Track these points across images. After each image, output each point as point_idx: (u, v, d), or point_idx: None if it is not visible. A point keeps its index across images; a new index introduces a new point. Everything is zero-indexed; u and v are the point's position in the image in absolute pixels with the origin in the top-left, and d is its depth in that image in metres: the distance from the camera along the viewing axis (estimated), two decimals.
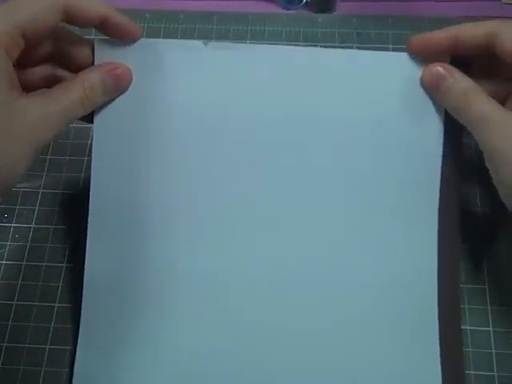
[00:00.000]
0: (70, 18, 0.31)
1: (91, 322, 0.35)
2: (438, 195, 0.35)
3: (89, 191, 0.39)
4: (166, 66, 0.35)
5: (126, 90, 0.34)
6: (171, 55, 0.35)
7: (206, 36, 0.46)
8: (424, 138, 0.35)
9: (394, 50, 0.45)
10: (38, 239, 0.39)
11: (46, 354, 0.36)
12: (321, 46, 0.45)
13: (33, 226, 0.40)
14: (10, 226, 0.40)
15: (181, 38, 0.45)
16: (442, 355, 0.34)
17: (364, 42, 0.45)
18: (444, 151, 0.34)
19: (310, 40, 0.45)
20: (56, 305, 0.37)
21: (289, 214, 0.36)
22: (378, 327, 0.35)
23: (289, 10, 0.47)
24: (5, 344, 0.36)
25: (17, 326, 0.37)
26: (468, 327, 0.36)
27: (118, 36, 0.33)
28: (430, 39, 0.32)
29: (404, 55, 0.34)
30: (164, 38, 0.46)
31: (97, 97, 0.33)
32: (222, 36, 0.45)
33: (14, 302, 0.37)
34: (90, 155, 0.42)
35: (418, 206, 0.35)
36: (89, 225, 0.35)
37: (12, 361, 0.36)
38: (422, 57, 0.33)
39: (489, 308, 0.36)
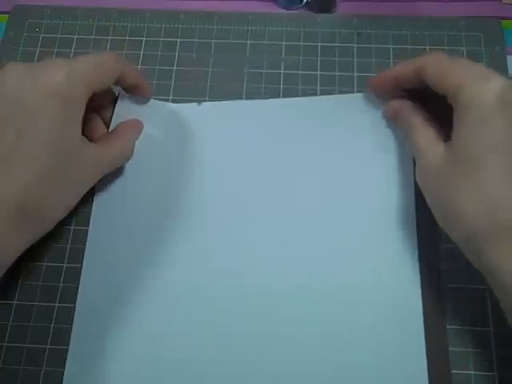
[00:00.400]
0: (118, 82, 0.37)
1: (81, 334, 0.36)
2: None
3: (89, 190, 0.39)
4: (170, 122, 0.41)
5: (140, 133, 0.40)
6: (174, 113, 0.42)
7: (206, 36, 0.45)
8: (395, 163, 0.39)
9: (394, 50, 0.45)
10: (38, 239, 0.39)
11: (46, 353, 0.36)
12: (321, 46, 0.45)
13: None
14: None
15: (181, 38, 0.45)
16: (428, 356, 0.35)
17: (364, 42, 0.45)
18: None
19: (310, 40, 0.45)
20: (56, 305, 0.37)
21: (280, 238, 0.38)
22: (364, 331, 0.35)
23: (289, 9, 0.47)
24: (5, 344, 0.36)
25: (17, 325, 0.37)
26: (468, 327, 0.36)
27: (134, 91, 0.39)
28: (378, 80, 0.39)
29: (362, 95, 0.41)
30: (164, 37, 0.46)
31: (131, 147, 0.39)
32: (223, 36, 0.45)
33: (14, 302, 0.37)
34: None
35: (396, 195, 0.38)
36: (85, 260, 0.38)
37: (12, 361, 0.36)
38: (379, 95, 0.40)
39: (489, 308, 0.36)
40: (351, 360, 0.35)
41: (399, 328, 0.35)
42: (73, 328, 0.36)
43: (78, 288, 0.38)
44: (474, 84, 0.32)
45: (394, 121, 0.39)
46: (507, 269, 0.29)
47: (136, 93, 0.39)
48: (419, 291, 0.36)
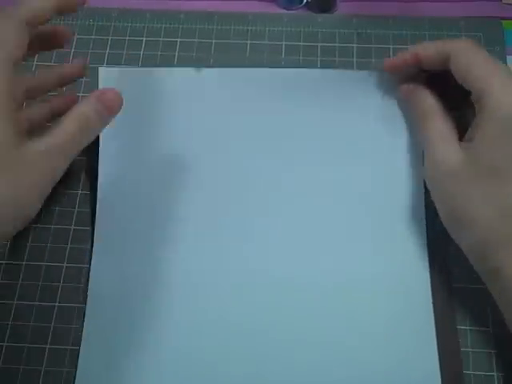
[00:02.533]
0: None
1: (94, 325, 0.36)
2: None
3: (88, 190, 0.39)
4: (164, 91, 0.39)
5: (119, 111, 0.35)
6: (168, 81, 0.40)
7: (206, 36, 0.45)
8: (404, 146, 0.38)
9: (394, 50, 0.44)
10: (38, 239, 0.39)
11: (46, 354, 0.36)
12: (321, 46, 0.45)
13: (33, 225, 0.39)
14: None
15: (181, 38, 0.45)
16: (439, 355, 0.34)
17: (364, 42, 0.45)
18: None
19: (310, 40, 0.45)
20: (56, 304, 0.37)
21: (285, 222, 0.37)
22: (374, 328, 0.35)
23: (289, 10, 0.47)
24: (5, 344, 0.36)
25: (17, 325, 0.37)
26: (468, 327, 0.36)
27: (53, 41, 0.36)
28: (399, 58, 0.36)
29: (378, 74, 0.39)
30: (164, 37, 0.45)
31: (94, 125, 0.33)
32: (223, 36, 0.45)
33: (14, 302, 0.37)
34: (88, 155, 0.42)
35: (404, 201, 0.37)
36: (95, 227, 0.38)
37: (12, 361, 0.36)
38: (397, 75, 0.37)
39: (489, 308, 0.36)
40: (362, 358, 0.35)
41: (410, 327, 0.35)
42: (85, 314, 0.36)
43: (78, 288, 0.38)
44: (503, 91, 0.31)
45: (407, 104, 0.37)
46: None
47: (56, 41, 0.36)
48: (429, 289, 0.36)
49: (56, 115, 0.38)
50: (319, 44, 0.45)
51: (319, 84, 0.40)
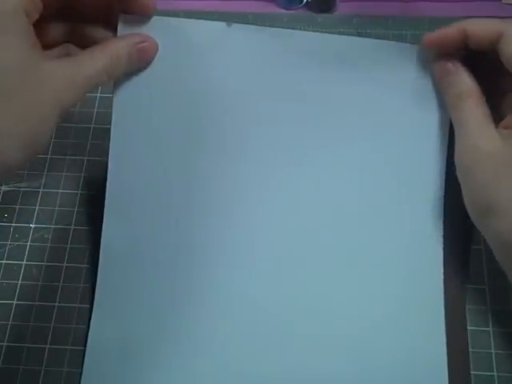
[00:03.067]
0: None
1: (106, 291, 0.36)
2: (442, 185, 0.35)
3: (89, 190, 0.39)
4: (188, 44, 0.36)
5: (150, 63, 0.34)
6: (194, 35, 0.36)
7: None
8: (431, 126, 0.35)
9: None
10: (38, 239, 0.39)
11: (46, 353, 0.36)
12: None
13: (33, 225, 0.39)
14: (10, 226, 0.40)
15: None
16: (448, 355, 0.34)
17: None
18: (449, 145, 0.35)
19: None
20: (56, 304, 0.37)
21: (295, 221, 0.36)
22: (383, 319, 0.35)
23: (289, 10, 0.47)
24: (5, 344, 0.36)
25: (17, 325, 0.37)
26: (468, 327, 0.36)
27: (131, 8, 0.34)
28: (442, 33, 0.32)
29: (418, 47, 0.34)
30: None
31: (121, 67, 0.33)
32: None
33: (14, 302, 0.37)
34: (90, 154, 0.42)
35: (422, 204, 0.36)
36: (106, 202, 0.36)
37: (12, 361, 0.36)
38: (437, 52, 0.33)
39: (489, 308, 0.36)
40: (369, 349, 0.34)
41: (419, 318, 0.35)
42: (97, 282, 0.36)
43: (78, 288, 0.38)
44: None
45: (440, 83, 0.34)
46: None
47: (134, 10, 0.34)
48: (441, 286, 0.35)
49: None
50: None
51: (351, 54, 0.36)
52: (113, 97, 0.35)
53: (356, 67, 0.36)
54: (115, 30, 0.34)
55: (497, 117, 0.32)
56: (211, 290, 0.35)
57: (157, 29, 0.35)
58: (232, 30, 0.35)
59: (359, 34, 0.45)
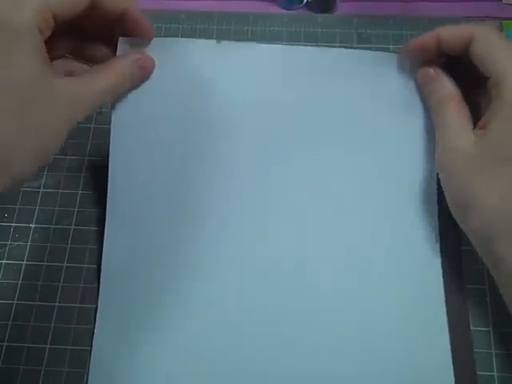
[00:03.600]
0: (95, 4, 0.32)
1: (109, 306, 0.36)
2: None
3: (89, 190, 0.39)
4: (182, 62, 0.37)
5: (147, 79, 0.36)
6: (187, 53, 0.37)
7: (206, 36, 0.45)
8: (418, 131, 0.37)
9: (394, 50, 0.45)
10: (38, 239, 0.39)
11: (46, 353, 0.36)
12: (321, 46, 0.45)
13: (33, 225, 0.39)
14: (10, 226, 0.40)
15: (182, 38, 0.45)
16: (453, 356, 0.34)
17: (364, 42, 0.45)
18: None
19: (311, 40, 0.45)
20: (56, 304, 0.37)
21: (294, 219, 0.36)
22: (385, 323, 0.35)
23: (289, 10, 0.47)
24: (5, 344, 0.36)
25: (17, 325, 0.37)
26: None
27: (133, 32, 0.35)
28: (419, 40, 0.35)
29: (395, 56, 0.37)
30: (164, 37, 0.45)
31: (126, 85, 0.35)
32: (223, 36, 0.45)
33: (14, 302, 0.37)
34: (90, 154, 0.42)
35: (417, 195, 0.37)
36: (107, 211, 0.37)
37: (12, 361, 0.36)
38: (415, 58, 0.35)
39: (489, 308, 0.36)
40: (373, 354, 0.34)
41: (422, 322, 0.35)
42: (100, 291, 0.36)
43: (78, 288, 0.38)
44: None
45: (423, 89, 0.36)
46: None
47: (136, 34, 0.35)
48: (442, 286, 0.36)
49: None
50: (319, 44, 0.45)
51: (335, 64, 0.38)
52: (111, 113, 0.36)
53: (344, 78, 0.37)
54: (115, 47, 0.35)
55: (475, 117, 0.33)
56: (208, 298, 0.35)
57: (154, 48, 0.36)
58: (221, 47, 0.37)
59: (359, 35, 0.45)
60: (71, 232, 0.39)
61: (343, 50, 0.39)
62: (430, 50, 0.34)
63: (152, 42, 0.36)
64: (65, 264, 0.38)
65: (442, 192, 0.34)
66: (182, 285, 0.36)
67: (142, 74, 0.35)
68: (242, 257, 0.36)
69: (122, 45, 0.36)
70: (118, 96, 0.35)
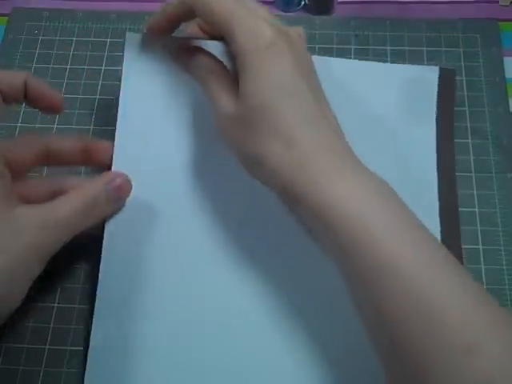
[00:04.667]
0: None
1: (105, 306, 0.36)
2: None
3: None
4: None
5: (128, 197, 0.36)
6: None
7: None
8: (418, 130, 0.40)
9: (391, 51, 0.45)
10: None
11: (46, 354, 0.36)
12: (319, 48, 0.45)
13: None
14: None
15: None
16: None
17: (362, 43, 0.45)
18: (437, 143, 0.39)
19: (309, 42, 0.44)
20: (56, 305, 0.37)
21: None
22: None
23: (287, 12, 0.48)
24: (4, 344, 0.36)
25: (17, 325, 0.37)
26: None
27: (40, 102, 0.34)
28: (152, 25, 0.37)
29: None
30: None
31: (100, 208, 0.34)
32: None
33: None
34: None
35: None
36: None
37: (12, 361, 0.36)
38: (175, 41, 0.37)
39: None
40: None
41: None
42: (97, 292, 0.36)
43: (77, 288, 0.38)
44: (246, 27, 0.31)
45: (188, 69, 0.37)
46: (315, 191, 0.29)
47: (43, 104, 0.35)
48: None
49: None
50: (317, 46, 0.45)
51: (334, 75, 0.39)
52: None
53: (341, 87, 0.39)
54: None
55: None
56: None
57: (159, 47, 0.38)
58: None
59: (357, 36, 0.46)
60: None
61: (338, 59, 0.42)
62: (167, 30, 0.37)
63: (159, 39, 0.37)
64: (64, 265, 0.38)
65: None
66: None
67: (119, 196, 0.35)
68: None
69: (128, 40, 0.36)
70: (96, 220, 0.34)
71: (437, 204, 0.38)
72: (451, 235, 0.37)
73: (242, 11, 0.32)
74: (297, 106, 0.31)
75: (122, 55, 0.38)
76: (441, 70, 0.42)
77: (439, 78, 0.41)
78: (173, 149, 0.38)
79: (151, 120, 0.39)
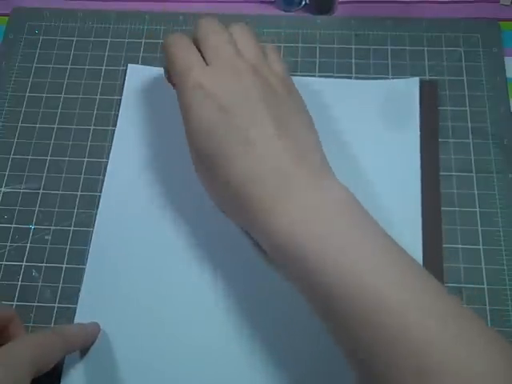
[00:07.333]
0: None
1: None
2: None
3: (88, 191, 0.39)
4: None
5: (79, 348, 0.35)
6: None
7: None
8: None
9: (392, 51, 0.45)
10: (38, 240, 0.39)
11: None
12: (319, 48, 0.45)
13: (33, 226, 0.40)
14: (10, 227, 0.40)
15: None
16: None
17: (362, 43, 0.45)
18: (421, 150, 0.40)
19: (309, 42, 0.45)
20: (56, 305, 0.37)
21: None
22: None
23: (288, 11, 0.47)
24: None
25: None
26: None
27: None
28: None
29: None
30: (163, 39, 0.46)
31: (49, 357, 0.32)
32: None
33: (14, 303, 0.37)
34: (89, 156, 0.42)
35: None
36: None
37: None
38: None
39: (488, 308, 0.36)
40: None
41: None
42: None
43: (77, 288, 0.38)
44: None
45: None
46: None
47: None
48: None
49: None
50: (318, 45, 0.45)
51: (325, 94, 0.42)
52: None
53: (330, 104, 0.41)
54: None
55: None
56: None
57: (160, 78, 0.39)
58: None
59: (357, 36, 0.45)
60: (71, 233, 0.39)
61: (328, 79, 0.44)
62: None
63: (161, 70, 0.39)
64: (64, 265, 0.38)
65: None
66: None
67: (71, 347, 0.34)
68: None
69: (130, 72, 0.39)
70: (46, 369, 0.31)
71: (419, 216, 0.38)
72: (434, 246, 0.38)
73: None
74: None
75: (123, 86, 0.42)
76: (421, 82, 0.42)
77: (420, 90, 0.42)
78: (161, 175, 0.40)
79: (145, 152, 0.41)
